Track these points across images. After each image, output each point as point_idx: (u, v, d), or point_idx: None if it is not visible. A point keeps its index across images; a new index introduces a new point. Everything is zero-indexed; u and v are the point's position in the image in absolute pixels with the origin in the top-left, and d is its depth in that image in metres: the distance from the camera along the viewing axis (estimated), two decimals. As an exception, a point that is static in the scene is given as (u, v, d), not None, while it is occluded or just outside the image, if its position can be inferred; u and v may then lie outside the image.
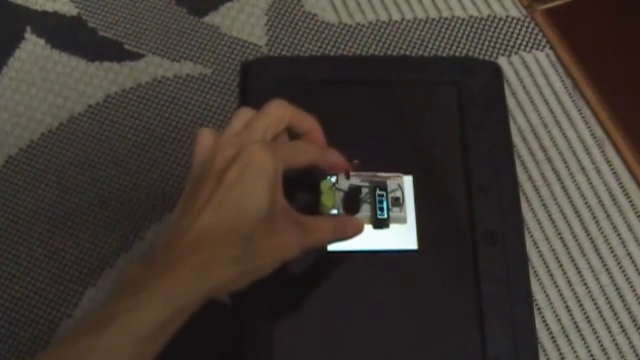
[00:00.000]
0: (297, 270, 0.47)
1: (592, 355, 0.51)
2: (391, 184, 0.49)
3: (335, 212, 0.48)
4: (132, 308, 0.35)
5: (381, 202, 0.48)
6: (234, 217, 0.38)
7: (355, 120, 0.53)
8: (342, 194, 0.48)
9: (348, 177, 0.48)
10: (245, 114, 0.43)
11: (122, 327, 0.35)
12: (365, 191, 0.48)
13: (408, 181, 0.50)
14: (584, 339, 0.51)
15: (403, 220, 0.49)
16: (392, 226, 0.48)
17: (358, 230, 0.46)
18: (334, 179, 0.48)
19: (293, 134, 0.44)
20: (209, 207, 0.38)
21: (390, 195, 0.48)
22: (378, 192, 0.48)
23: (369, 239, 0.48)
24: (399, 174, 0.50)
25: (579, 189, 0.56)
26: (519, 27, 0.62)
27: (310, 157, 0.43)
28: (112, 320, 0.35)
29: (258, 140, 0.41)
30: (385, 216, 0.48)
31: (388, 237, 0.49)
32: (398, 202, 0.48)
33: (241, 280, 0.39)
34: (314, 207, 0.48)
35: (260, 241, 0.39)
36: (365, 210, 0.48)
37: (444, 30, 0.62)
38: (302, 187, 0.48)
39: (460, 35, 0.62)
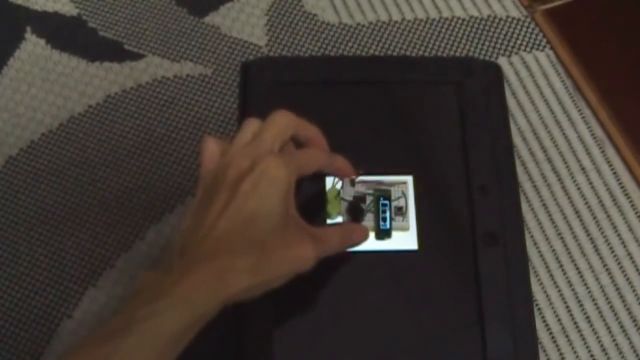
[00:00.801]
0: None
1: (592, 355, 0.51)
2: (395, 192, 0.49)
3: (340, 219, 0.48)
4: (150, 315, 0.35)
5: (384, 211, 0.48)
6: (248, 227, 0.39)
7: (355, 120, 0.53)
8: (346, 203, 0.49)
9: (353, 184, 0.49)
10: (252, 124, 0.43)
11: (141, 335, 0.35)
12: (369, 199, 0.49)
13: (408, 181, 0.50)
14: (584, 339, 0.51)
15: (405, 229, 0.49)
16: (394, 233, 0.49)
17: (363, 237, 0.47)
18: (339, 185, 0.49)
19: (296, 143, 0.45)
20: (224, 216, 0.39)
21: (394, 204, 0.49)
22: (381, 201, 0.49)
23: (370, 239, 0.48)
24: (403, 180, 0.50)
25: (579, 189, 0.56)
26: (519, 27, 0.62)
27: (319, 163, 0.44)
28: (132, 328, 0.35)
29: (271, 152, 0.41)
30: (388, 227, 0.48)
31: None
32: (401, 211, 0.49)
33: (255, 289, 0.39)
34: (318, 214, 0.48)
35: (276, 252, 0.39)
36: (369, 220, 0.48)
37: (444, 30, 0.62)
38: (305, 194, 0.48)
39: (460, 35, 0.62)
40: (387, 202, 0.49)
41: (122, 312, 0.37)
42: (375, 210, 0.48)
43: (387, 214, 0.48)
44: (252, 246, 0.39)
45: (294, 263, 0.40)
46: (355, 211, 0.48)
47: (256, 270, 0.38)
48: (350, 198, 0.49)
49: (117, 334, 0.35)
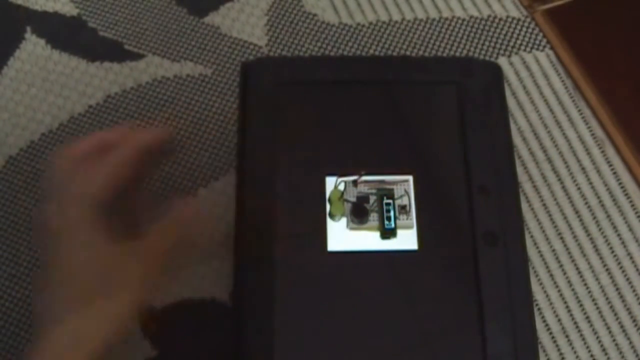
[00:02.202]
0: (296, 270, 0.47)
1: (592, 355, 0.51)
2: (398, 190, 0.49)
3: (344, 220, 0.49)
4: None
5: (388, 210, 0.48)
6: (64, 280, 0.36)
7: (356, 120, 0.53)
8: (349, 204, 0.49)
9: (356, 185, 0.49)
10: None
11: None
12: (372, 199, 0.49)
13: (408, 181, 0.50)
14: (584, 339, 0.51)
15: (410, 227, 0.49)
16: (399, 232, 0.49)
17: (190, 219, 0.40)
18: (341, 187, 0.49)
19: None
20: (49, 271, 0.36)
21: (397, 202, 0.49)
22: (385, 200, 0.49)
23: (375, 238, 0.48)
24: (406, 177, 0.50)
25: (579, 189, 0.56)
26: (519, 27, 0.62)
27: (124, 166, 0.39)
28: None
29: (72, 193, 0.37)
30: (393, 226, 0.48)
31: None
32: (405, 210, 0.49)
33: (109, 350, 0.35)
34: (318, 214, 0.48)
35: (97, 302, 0.35)
36: (373, 219, 0.48)
37: (444, 30, 0.62)
38: (305, 194, 0.48)
39: (460, 35, 0.62)
40: (390, 201, 0.49)
41: None
42: (379, 209, 0.48)
43: (392, 213, 0.48)
44: (66, 310, 0.35)
45: (111, 321, 0.35)
46: (359, 212, 0.49)
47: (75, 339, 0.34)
48: (353, 199, 0.49)
49: None
